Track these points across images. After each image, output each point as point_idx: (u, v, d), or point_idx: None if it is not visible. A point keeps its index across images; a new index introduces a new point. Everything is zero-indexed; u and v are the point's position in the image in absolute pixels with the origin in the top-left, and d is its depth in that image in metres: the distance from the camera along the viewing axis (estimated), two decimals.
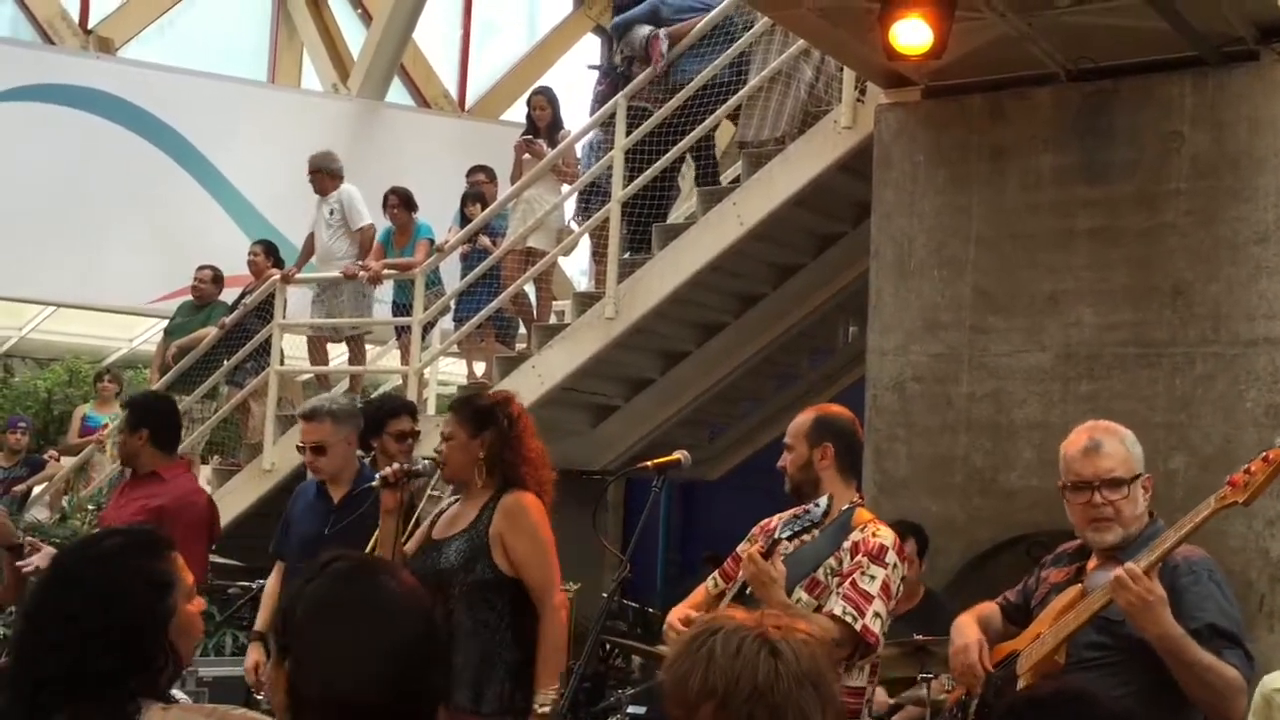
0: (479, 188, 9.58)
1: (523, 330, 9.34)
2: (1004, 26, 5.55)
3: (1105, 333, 5.82)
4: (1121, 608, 3.24)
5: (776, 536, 3.81)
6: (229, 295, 10.08)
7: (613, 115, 8.14)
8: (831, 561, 3.84)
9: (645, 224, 8.18)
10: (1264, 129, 5.56)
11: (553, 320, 8.89)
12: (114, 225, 13.15)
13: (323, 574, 2.20)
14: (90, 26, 14.69)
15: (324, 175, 9.57)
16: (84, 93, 13.32)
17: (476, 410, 4.43)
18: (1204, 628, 3.28)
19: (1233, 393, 5.53)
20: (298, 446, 5.50)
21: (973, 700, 3.65)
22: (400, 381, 9.29)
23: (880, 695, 5.13)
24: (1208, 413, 5.56)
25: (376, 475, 4.58)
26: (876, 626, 3.75)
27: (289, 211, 12.00)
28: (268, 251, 9.91)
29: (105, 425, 10.34)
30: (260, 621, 5.39)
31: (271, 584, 5.43)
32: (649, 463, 4.27)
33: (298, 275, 9.68)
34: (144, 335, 14.54)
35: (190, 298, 10.18)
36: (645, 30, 8.21)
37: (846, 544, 3.85)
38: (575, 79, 12.88)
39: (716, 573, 4.18)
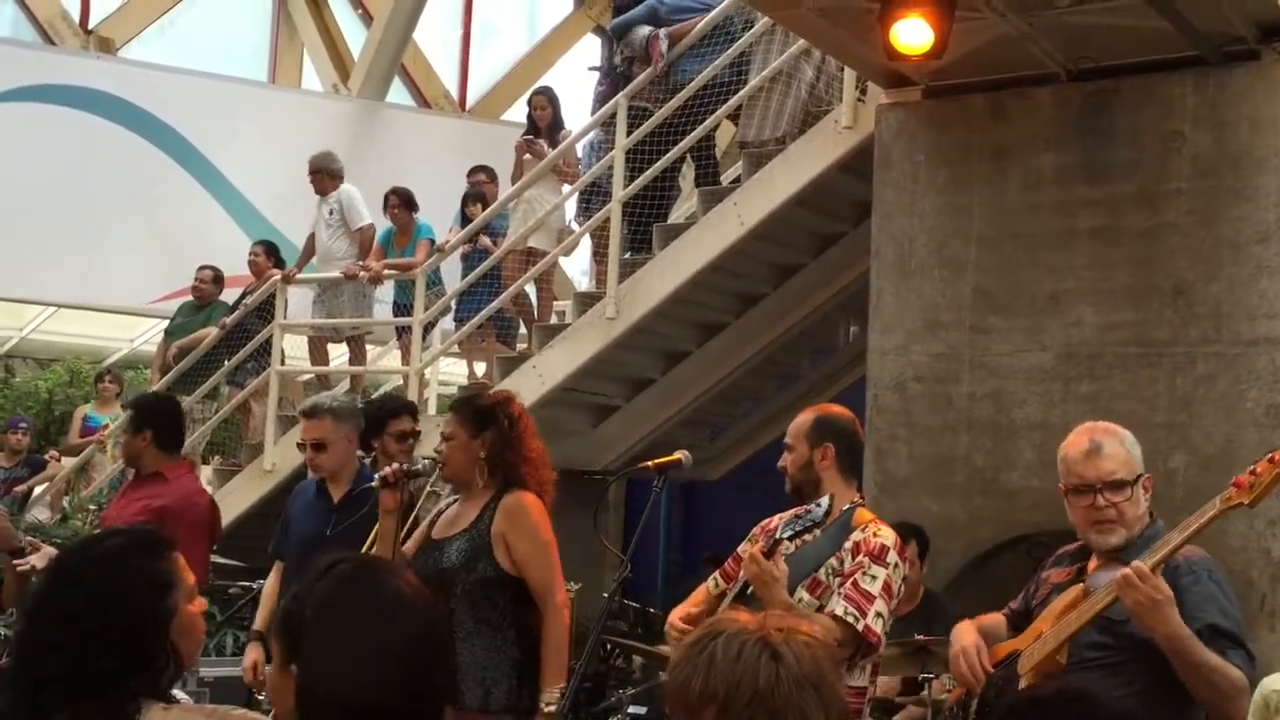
0: (480, 188, 9.58)
1: (523, 330, 9.34)
2: (1004, 26, 5.55)
3: (1106, 332, 5.82)
4: (1129, 607, 3.23)
5: (778, 536, 3.81)
6: (229, 295, 10.08)
7: (613, 115, 8.14)
8: (833, 562, 3.84)
9: (646, 224, 8.17)
10: (1265, 128, 5.56)
11: (553, 320, 8.89)
12: (115, 226, 13.16)
13: (329, 576, 2.20)
14: (91, 27, 14.71)
15: (324, 175, 9.57)
16: (85, 93, 13.32)
17: (477, 410, 4.43)
18: (1205, 628, 3.27)
19: (1234, 392, 5.53)
20: (298, 444, 5.51)
21: (973, 700, 3.64)
22: (401, 382, 9.29)
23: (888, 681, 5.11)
24: (1209, 412, 5.56)
25: (376, 475, 4.58)
26: (878, 627, 3.74)
27: (289, 212, 12.00)
28: (269, 252, 9.91)
29: (106, 426, 10.35)
30: (259, 621, 5.39)
31: (271, 584, 5.42)
32: (650, 463, 4.27)
33: (298, 275, 9.68)
34: (145, 335, 14.54)
35: (191, 298, 10.18)
36: (645, 30, 8.21)
37: (848, 544, 3.84)
38: (576, 79, 12.90)
39: (717, 573, 4.18)
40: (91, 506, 9.04)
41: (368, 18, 15.51)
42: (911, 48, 5.25)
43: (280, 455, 8.82)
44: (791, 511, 3.98)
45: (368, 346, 10.25)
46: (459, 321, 9.25)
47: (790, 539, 3.80)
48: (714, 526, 10.13)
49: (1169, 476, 5.40)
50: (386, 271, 9.23)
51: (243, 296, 9.81)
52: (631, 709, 6.68)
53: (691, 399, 9.06)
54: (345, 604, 2.16)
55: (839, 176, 7.29)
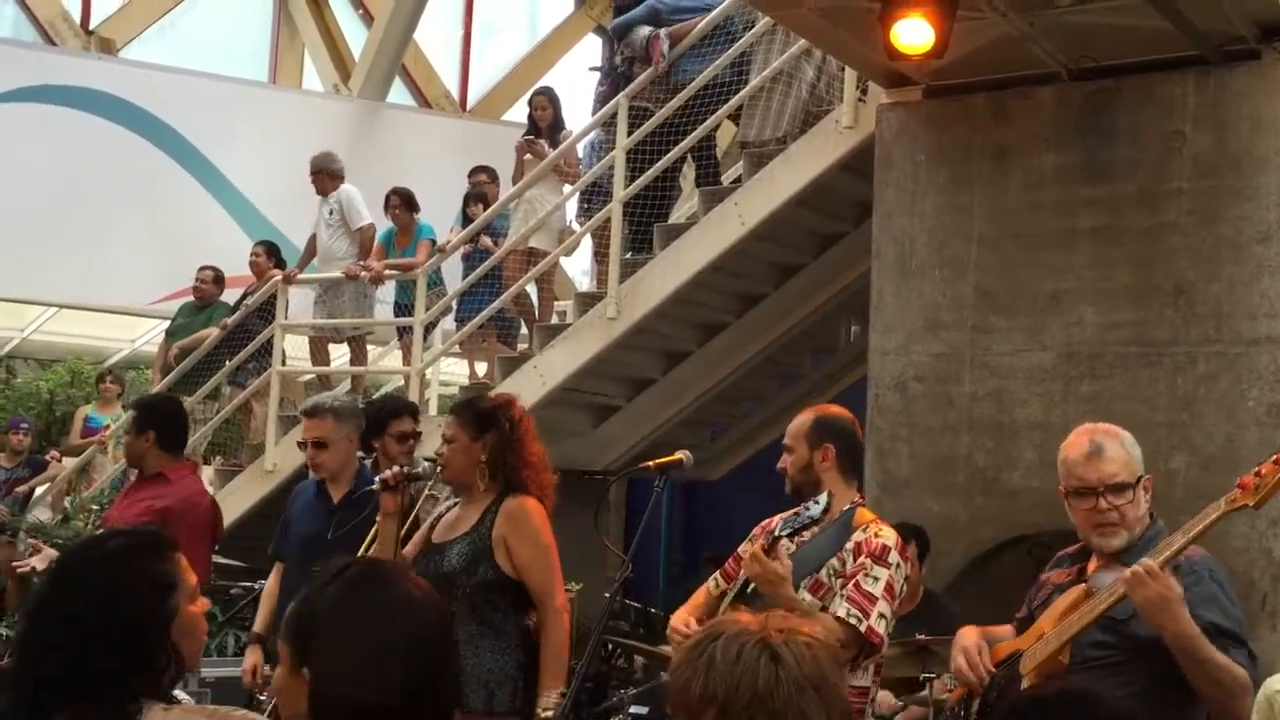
0: (481, 188, 9.58)
1: (524, 330, 9.34)
2: (1005, 26, 5.55)
3: (1107, 332, 5.81)
4: (1138, 605, 3.22)
5: (776, 534, 3.80)
6: (230, 296, 10.08)
7: (614, 115, 8.14)
8: (834, 562, 3.84)
9: (647, 224, 8.17)
10: (1266, 128, 5.56)
11: (554, 320, 8.89)
12: (115, 226, 13.17)
13: (339, 579, 2.20)
14: (91, 27, 14.72)
15: (325, 176, 9.57)
16: (85, 93, 13.33)
17: (478, 413, 4.43)
18: (1207, 627, 3.27)
19: (1235, 392, 5.53)
20: (299, 443, 5.50)
21: (975, 700, 3.64)
22: (402, 382, 9.29)
23: (888, 698, 5.13)
24: (1210, 412, 5.56)
25: (376, 479, 4.58)
26: (881, 627, 3.74)
27: (290, 212, 12.01)
28: (270, 252, 9.91)
29: (107, 426, 10.35)
30: (258, 623, 5.39)
31: (270, 585, 5.42)
32: (651, 463, 4.26)
33: (300, 276, 9.68)
34: (145, 336, 14.55)
35: (192, 298, 10.18)
36: (646, 31, 8.21)
37: (849, 545, 3.84)
38: (576, 79, 12.90)
39: (718, 573, 4.17)
40: (93, 507, 9.04)
41: (368, 18, 15.51)
42: (912, 47, 5.25)
43: (281, 455, 8.82)
44: (790, 511, 3.98)
45: (369, 347, 10.25)
46: (460, 322, 9.25)
47: (789, 537, 3.80)
48: (715, 526, 10.13)
49: (1170, 476, 5.39)
50: (387, 272, 9.23)
51: (244, 297, 9.81)
52: (633, 709, 6.67)
53: (692, 399, 9.06)
54: (357, 607, 2.16)
55: (840, 176, 7.29)
